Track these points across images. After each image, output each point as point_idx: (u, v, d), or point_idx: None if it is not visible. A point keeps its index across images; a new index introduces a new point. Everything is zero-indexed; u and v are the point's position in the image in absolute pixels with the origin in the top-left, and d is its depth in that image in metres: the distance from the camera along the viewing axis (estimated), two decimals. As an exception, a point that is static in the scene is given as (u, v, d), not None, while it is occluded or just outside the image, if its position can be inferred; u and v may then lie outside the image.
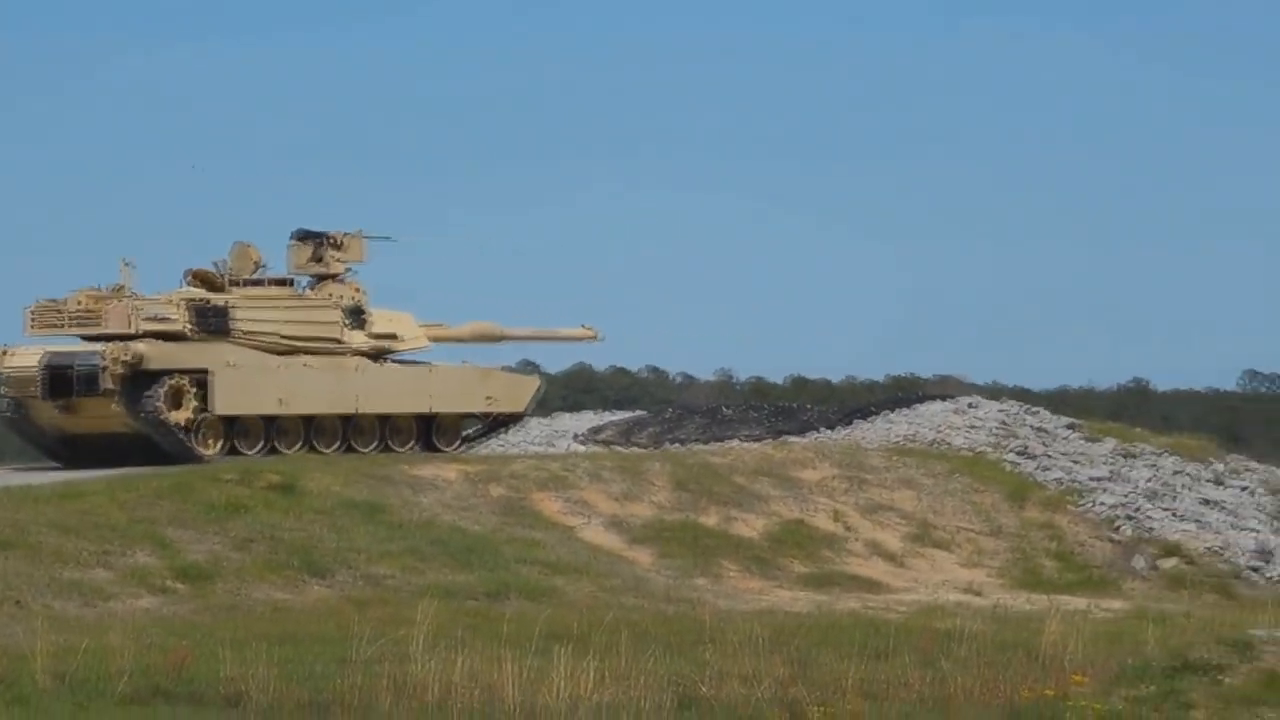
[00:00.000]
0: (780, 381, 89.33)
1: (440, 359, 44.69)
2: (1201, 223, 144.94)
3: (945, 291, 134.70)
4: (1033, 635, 24.77)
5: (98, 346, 38.95)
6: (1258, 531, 42.80)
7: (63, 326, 39.94)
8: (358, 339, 42.13)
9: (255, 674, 21.27)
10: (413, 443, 42.40)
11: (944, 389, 58.37)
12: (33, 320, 40.17)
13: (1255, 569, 41.26)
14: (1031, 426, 47.56)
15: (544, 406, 59.96)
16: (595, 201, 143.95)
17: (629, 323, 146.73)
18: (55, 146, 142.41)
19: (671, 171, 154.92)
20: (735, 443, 48.35)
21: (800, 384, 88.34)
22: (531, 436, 51.88)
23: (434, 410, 42.87)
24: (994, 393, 54.65)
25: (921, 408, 50.49)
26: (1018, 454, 45.64)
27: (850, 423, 50.52)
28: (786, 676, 22.06)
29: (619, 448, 49.32)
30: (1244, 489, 44.96)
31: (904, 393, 60.18)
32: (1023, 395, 54.79)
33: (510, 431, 46.48)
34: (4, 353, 40.07)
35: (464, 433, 44.14)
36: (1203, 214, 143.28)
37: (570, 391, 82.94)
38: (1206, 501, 43.97)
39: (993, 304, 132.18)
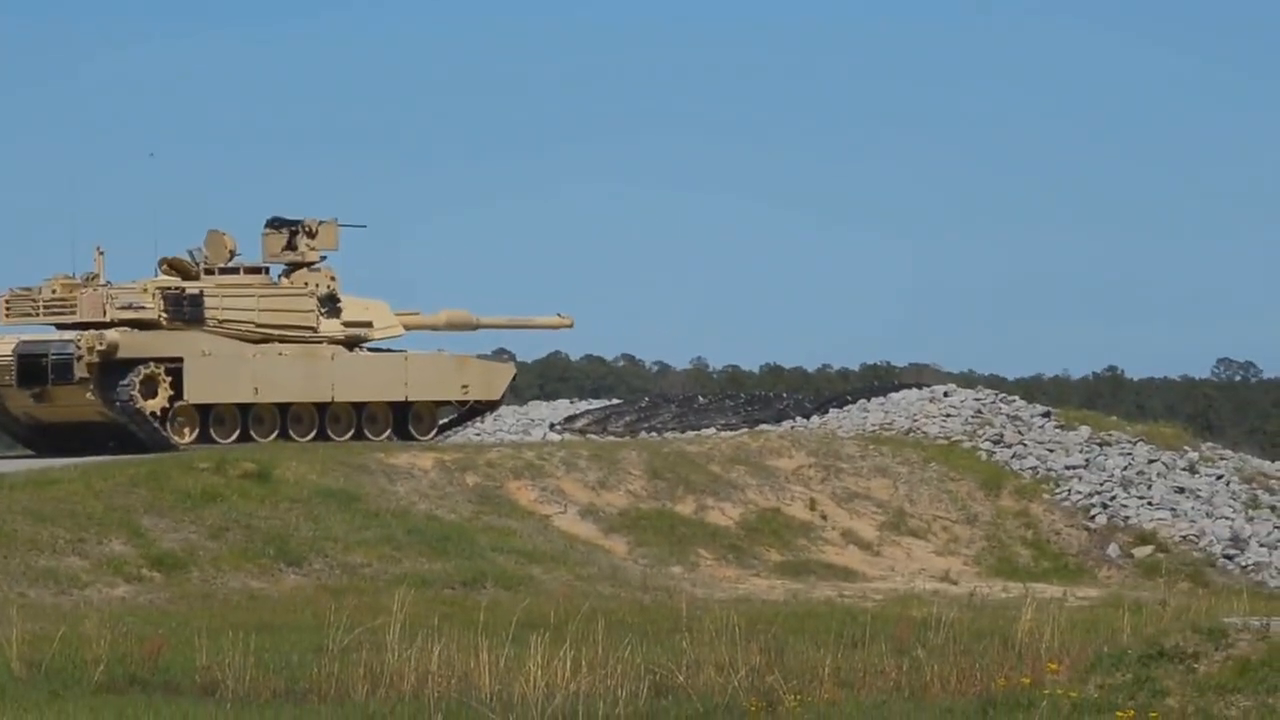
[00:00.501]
0: (755, 370, 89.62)
1: (415, 347, 44.78)
2: (1177, 212, 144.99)
3: (920, 280, 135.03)
4: (1008, 623, 24.84)
5: (71, 335, 38.87)
6: (1231, 519, 42.90)
7: (36, 315, 39.99)
8: (332, 327, 42.14)
9: (231, 663, 21.28)
10: (388, 431, 42.40)
11: (918, 377, 58.63)
12: (6, 309, 40.24)
13: (1229, 557, 41.38)
14: (1006, 415, 47.61)
15: (519, 395, 60.09)
16: (571, 193, 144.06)
17: (604, 311, 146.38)
18: (28, 136, 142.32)
19: (646, 164, 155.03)
20: (710, 431, 48.43)
21: (775, 372, 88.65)
22: (506, 425, 51.87)
23: (409, 398, 42.84)
24: (968, 381, 54.90)
25: (896, 396, 50.57)
26: (992, 442, 45.71)
27: (825, 411, 50.64)
28: (762, 665, 22.08)
29: (594, 436, 49.38)
30: (1218, 477, 45.06)
31: (878, 381, 60.42)
32: (997, 383, 55.05)
33: (485, 419, 46.41)
34: None
35: (439, 421, 44.12)
36: (1179, 203, 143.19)
37: (545, 380, 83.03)
38: (1180, 490, 44.06)
39: (968, 292, 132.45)
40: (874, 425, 47.65)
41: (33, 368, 38.74)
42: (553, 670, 20.52)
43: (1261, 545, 41.96)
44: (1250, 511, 43.49)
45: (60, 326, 39.78)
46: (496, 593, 31.72)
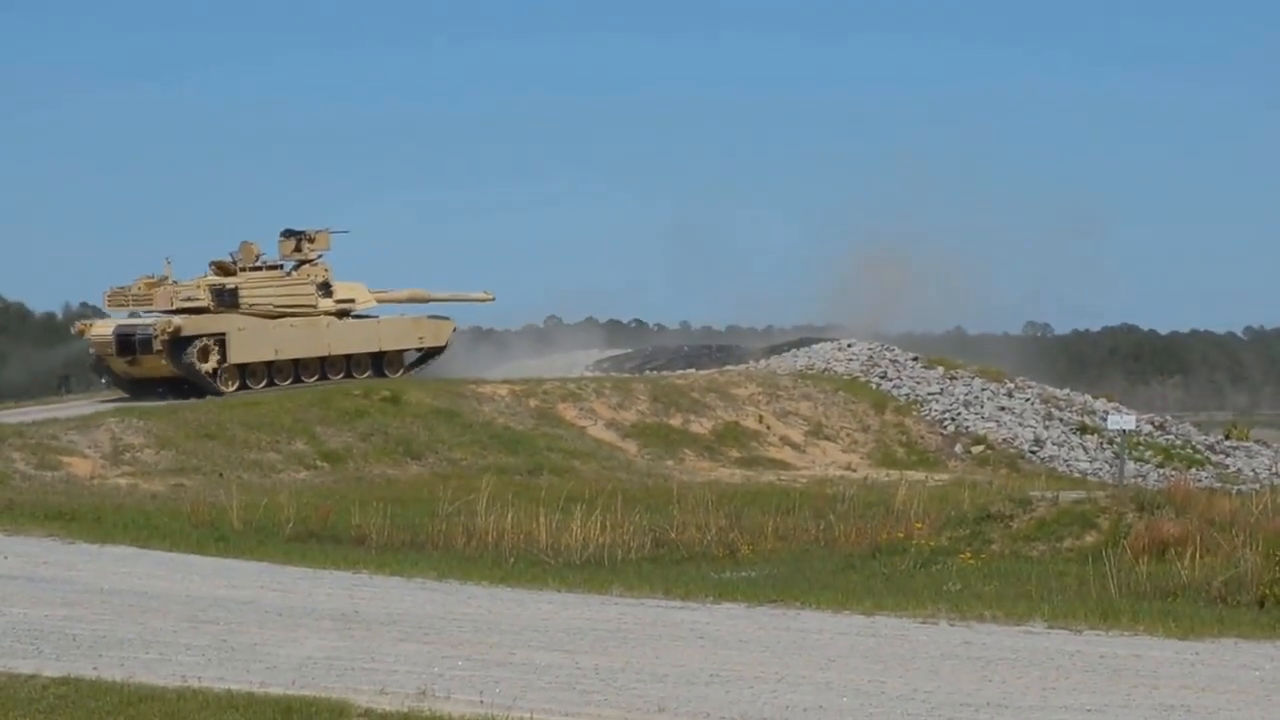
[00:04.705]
0: (723, 328, 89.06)
1: (385, 313, 43.03)
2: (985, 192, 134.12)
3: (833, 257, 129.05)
4: (889, 497, 24.87)
5: (150, 320, 37.81)
6: (1034, 427, 42.99)
7: (128, 304, 38.65)
8: (327, 304, 40.58)
9: (374, 523, 21.40)
10: (368, 372, 40.90)
11: (831, 334, 58.37)
12: (108, 300, 39.17)
13: (1033, 452, 41.47)
14: (888, 359, 47.68)
15: (563, 344, 59.91)
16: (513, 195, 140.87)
17: (612, 286, 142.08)
18: (122, 177, 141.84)
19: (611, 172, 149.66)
20: (692, 370, 48.50)
21: (736, 330, 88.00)
22: (556, 366, 51.91)
23: (382, 349, 41.46)
24: (864, 336, 54.55)
25: (816, 346, 50.65)
26: (880, 377, 45.78)
27: (769, 357, 50.67)
28: (726, 525, 22.15)
29: (615, 373, 49.44)
30: (1026, 400, 45.14)
31: (804, 337, 60.15)
32: (882, 337, 54.60)
33: (438, 359, 43.66)
34: (90, 325, 38.91)
35: (406, 363, 42.48)
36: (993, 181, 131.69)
37: (585, 333, 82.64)
38: (1002, 408, 44.14)
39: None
40: (802, 366, 47.73)
41: (126, 343, 37.63)
42: (587, 529, 20.60)
43: (1054, 444, 42.05)
44: (1046, 422, 43.57)
45: (145, 313, 38.59)
46: (550, 478, 31.84)
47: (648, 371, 49.52)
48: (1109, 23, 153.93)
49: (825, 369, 46.87)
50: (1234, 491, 26.82)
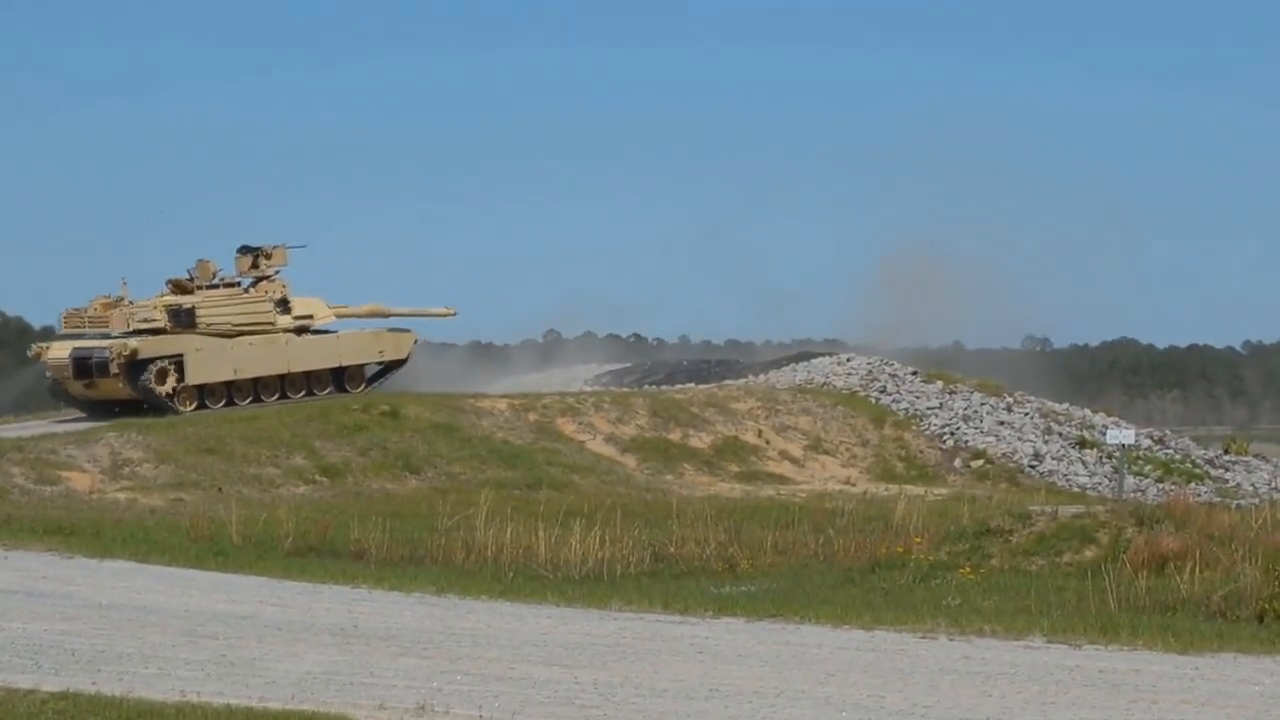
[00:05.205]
0: (722, 343, 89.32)
1: (345, 328, 41.97)
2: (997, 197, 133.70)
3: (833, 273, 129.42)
4: (889, 512, 24.86)
5: (107, 343, 37.07)
6: (1034, 441, 42.96)
7: (84, 326, 37.89)
8: (285, 321, 39.64)
9: (373, 537, 21.40)
10: (329, 388, 40.09)
11: (830, 348, 58.31)
12: (64, 322, 38.53)
13: (1032, 467, 41.44)
14: (888, 373, 47.65)
15: (563, 359, 59.95)
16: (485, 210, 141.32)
17: (619, 299, 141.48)
18: (78, 198, 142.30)
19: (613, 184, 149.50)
20: (691, 385, 48.50)
21: (735, 345, 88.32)
22: (556, 380, 51.91)
23: (342, 364, 40.53)
24: (863, 350, 54.51)
25: (815, 361, 50.64)
26: (879, 392, 45.74)
27: (768, 371, 50.68)
28: (725, 540, 22.14)
29: (614, 388, 49.42)
30: (1025, 414, 45.11)
31: (803, 351, 60.16)
32: (881, 351, 54.54)
33: (400, 370, 42.60)
34: (46, 348, 38.14)
35: (368, 376, 41.51)
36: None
37: (585, 348, 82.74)
38: (1001, 423, 44.10)
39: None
40: (801, 380, 47.72)
41: (83, 367, 36.91)
42: (586, 544, 20.58)
43: (1053, 459, 42.02)
44: (1045, 437, 43.55)
45: (101, 335, 37.68)
46: (549, 492, 31.80)
47: (647, 386, 49.53)
48: (1114, 36, 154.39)
49: (824, 383, 46.84)
50: (1233, 506, 26.83)
